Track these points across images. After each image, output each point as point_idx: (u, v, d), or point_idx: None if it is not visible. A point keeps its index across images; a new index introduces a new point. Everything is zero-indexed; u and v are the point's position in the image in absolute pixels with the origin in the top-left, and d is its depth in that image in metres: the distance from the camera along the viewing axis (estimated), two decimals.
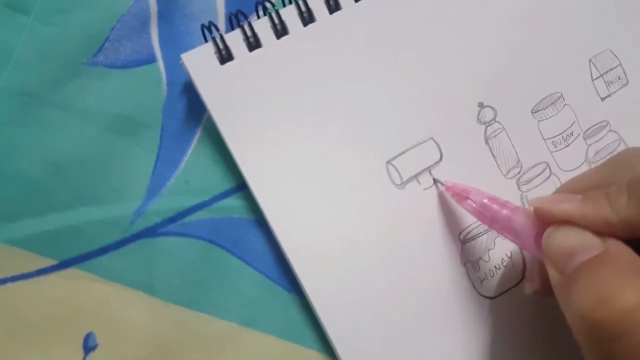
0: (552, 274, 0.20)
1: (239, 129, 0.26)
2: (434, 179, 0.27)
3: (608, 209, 0.19)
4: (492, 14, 0.28)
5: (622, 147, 0.29)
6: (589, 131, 0.29)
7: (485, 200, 0.24)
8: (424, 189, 0.27)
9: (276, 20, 0.26)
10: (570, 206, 0.20)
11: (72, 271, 0.26)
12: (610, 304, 0.17)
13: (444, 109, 0.27)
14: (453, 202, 0.27)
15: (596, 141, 0.29)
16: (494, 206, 0.24)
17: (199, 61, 0.25)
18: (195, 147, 0.27)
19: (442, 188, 0.26)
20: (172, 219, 0.26)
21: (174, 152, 0.27)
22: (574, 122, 0.29)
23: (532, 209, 0.22)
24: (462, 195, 0.25)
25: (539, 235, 0.21)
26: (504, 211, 0.23)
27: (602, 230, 0.19)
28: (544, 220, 0.21)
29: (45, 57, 0.26)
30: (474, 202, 0.24)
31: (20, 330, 0.25)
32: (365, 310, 0.26)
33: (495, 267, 0.27)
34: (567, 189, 0.24)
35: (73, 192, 0.26)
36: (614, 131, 0.29)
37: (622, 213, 0.19)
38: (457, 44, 0.28)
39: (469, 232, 0.27)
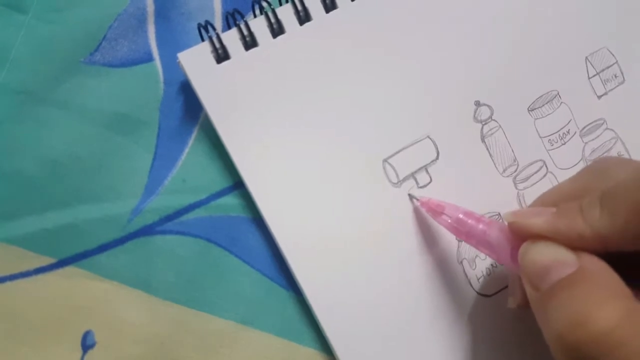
0: (529, 290, 0.20)
1: (235, 127, 0.26)
2: (409, 195, 0.27)
3: (581, 222, 0.19)
4: (489, 12, 0.28)
5: (618, 145, 0.29)
6: (585, 129, 0.29)
7: (461, 215, 0.24)
8: (420, 187, 0.27)
9: (272, 19, 0.26)
10: (543, 220, 0.20)
11: (70, 269, 0.26)
12: (585, 327, 0.17)
13: (441, 107, 0.27)
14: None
15: (592, 139, 0.29)
16: (470, 221, 0.23)
17: (195, 60, 0.25)
18: (192, 146, 0.27)
19: (417, 204, 0.26)
20: (169, 217, 0.26)
21: (171, 151, 0.27)
22: (571, 120, 0.29)
23: (506, 224, 0.22)
24: (437, 211, 0.25)
25: (514, 250, 0.21)
26: (480, 226, 0.23)
27: (576, 245, 0.19)
28: (519, 235, 0.21)
29: (43, 56, 0.26)
30: (449, 217, 0.24)
31: (19, 328, 0.25)
32: (362, 308, 0.26)
33: (492, 265, 0.27)
34: (543, 201, 0.24)
35: (71, 190, 0.26)
36: (611, 129, 0.29)
37: (595, 226, 0.19)
38: (453, 42, 0.28)
39: None
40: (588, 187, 0.21)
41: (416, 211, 0.26)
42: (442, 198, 0.27)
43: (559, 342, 0.18)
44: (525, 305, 0.23)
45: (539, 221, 0.20)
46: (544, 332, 0.19)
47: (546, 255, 0.19)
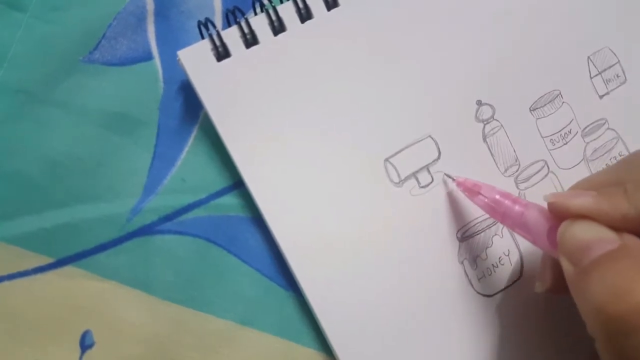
0: (567, 267, 0.20)
1: (235, 126, 0.25)
2: (445, 175, 0.27)
3: (625, 204, 0.19)
4: (491, 11, 0.28)
5: (620, 145, 0.29)
6: (587, 129, 0.29)
7: (497, 196, 0.24)
8: (422, 187, 0.27)
9: (273, 17, 0.26)
10: (585, 201, 0.20)
11: (69, 269, 0.26)
12: (626, 298, 0.17)
13: (442, 106, 0.27)
14: (450, 200, 0.27)
15: (594, 139, 0.29)
16: (506, 202, 0.24)
17: (195, 58, 0.25)
18: (192, 145, 0.27)
19: (453, 184, 0.26)
20: (168, 217, 0.26)
21: (171, 150, 0.27)
22: (572, 120, 0.29)
23: (546, 204, 0.22)
24: (473, 191, 0.25)
25: (552, 231, 0.21)
26: (516, 207, 0.23)
27: (617, 226, 0.20)
28: (559, 215, 0.21)
29: (42, 55, 0.26)
30: (486, 197, 0.24)
31: (17, 328, 0.25)
32: (362, 308, 0.26)
33: (492, 265, 0.27)
34: (581, 187, 0.23)
35: (70, 189, 0.26)
36: (612, 129, 0.29)
37: None
38: (455, 41, 0.28)
39: (467, 230, 0.27)
40: (624, 176, 0.21)
41: (450, 193, 0.27)
42: (442, 199, 0.27)
43: (598, 315, 0.18)
44: (553, 289, 0.24)
45: (581, 201, 0.20)
46: (581, 307, 0.19)
47: (588, 233, 0.20)
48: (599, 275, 0.18)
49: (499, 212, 0.24)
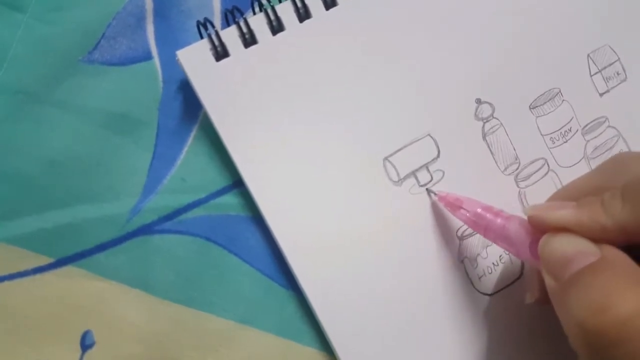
0: (548, 281, 0.20)
1: (235, 125, 0.25)
2: (427, 190, 0.26)
3: (603, 214, 0.19)
4: (490, 9, 0.28)
5: (620, 143, 0.29)
6: (587, 127, 0.29)
7: (479, 210, 0.24)
8: (421, 186, 0.27)
9: (272, 17, 0.26)
10: (565, 213, 0.20)
11: (68, 269, 0.26)
12: (607, 312, 0.17)
13: (442, 105, 0.27)
14: None
15: (594, 137, 0.29)
16: (488, 215, 0.23)
17: (194, 58, 0.25)
18: (192, 145, 0.27)
19: (435, 198, 0.26)
20: (168, 217, 0.26)
21: (170, 150, 0.27)
22: (572, 118, 0.29)
23: (526, 218, 0.22)
24: (455, 205, 0.25)
25: (534, 243, 0.21)
26: (498, 220, 0.23)
27: (597, 237, 0.19)
28: (539, 228, 0.21)
29: (41, 55, 0.26)
30: (468, 211, 0.24)
31: (18, 328, 0.25)
32: (363, 307, 0.26)
33: (493, 263, 0.27)
34: (560, 196, 0.24)
35: (69, 190, 0.26)
36: (613, 127, 0.29)
37: (617, 218, 0.19)
38: (454, 39, 0.28)
39: (467, 228, 0.27)
40: (606, 182, 0.21)
41: (433, 206, 0.26)
42: None
43: (579, 329, 0.18)
44: (542, 300, 0.23)
45: (561, 214, 0.20)
46: (563, 321, 0.19)
47: (568, 246, 0.19)
48: (579, 290, 0.18)
49: (481, 226, 0.24)
